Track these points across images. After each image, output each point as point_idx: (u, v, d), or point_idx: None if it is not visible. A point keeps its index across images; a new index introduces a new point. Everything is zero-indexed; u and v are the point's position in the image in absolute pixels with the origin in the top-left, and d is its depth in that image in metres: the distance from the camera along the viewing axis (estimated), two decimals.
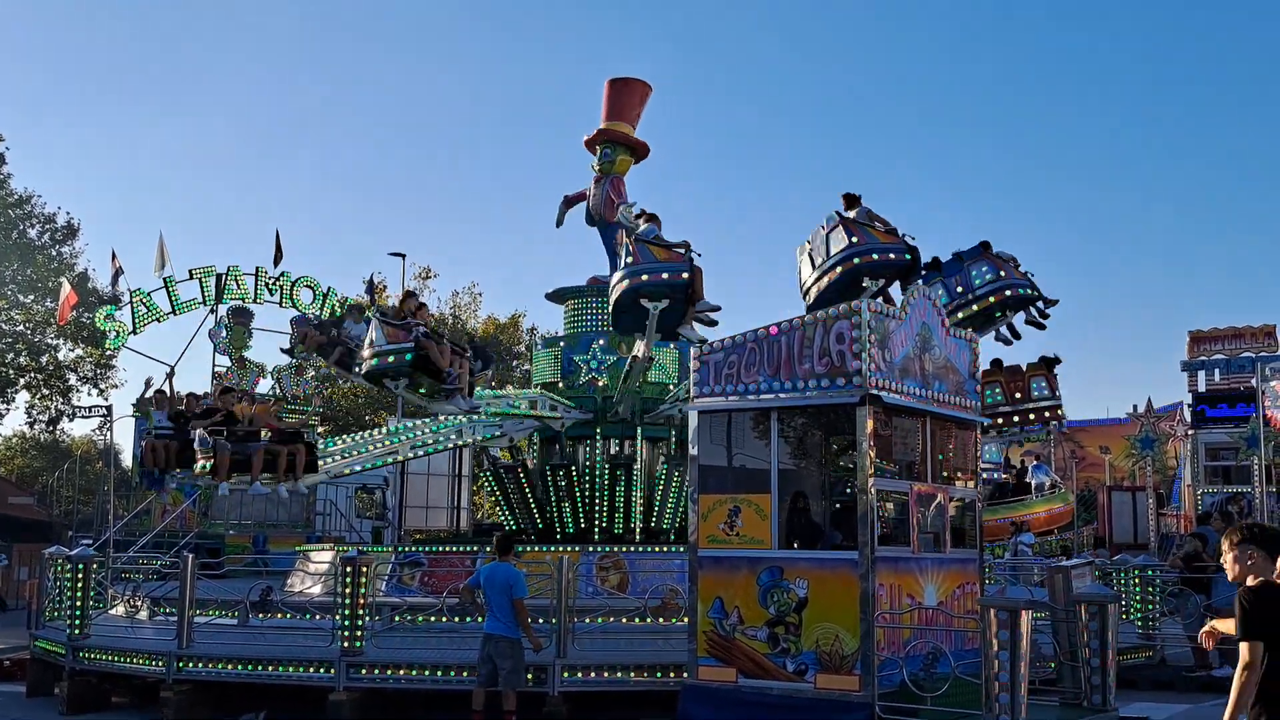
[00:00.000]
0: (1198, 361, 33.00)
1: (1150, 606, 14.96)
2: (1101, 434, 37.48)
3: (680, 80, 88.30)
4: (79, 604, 13.69)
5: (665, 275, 13.85)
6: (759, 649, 9.82)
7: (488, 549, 12.06)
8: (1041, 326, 16.50)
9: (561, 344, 18.33)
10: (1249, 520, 5.73)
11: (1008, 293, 16.04)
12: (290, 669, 12.04)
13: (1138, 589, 15.08)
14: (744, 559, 10.03)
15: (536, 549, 15.02)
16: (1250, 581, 5.76)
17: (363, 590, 11.98)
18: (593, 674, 11.46)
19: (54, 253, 40.66)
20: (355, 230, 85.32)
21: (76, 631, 13.57)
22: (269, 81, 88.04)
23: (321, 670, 11.88)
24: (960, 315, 15.52)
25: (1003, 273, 16.32)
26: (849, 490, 10.00)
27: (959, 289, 16.08)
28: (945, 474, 10.92)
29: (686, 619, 10.64)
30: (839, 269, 14.13)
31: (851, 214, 14.49)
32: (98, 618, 14.33)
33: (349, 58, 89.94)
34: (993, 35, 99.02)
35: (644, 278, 13.84)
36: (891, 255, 14.08)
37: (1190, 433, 31.03)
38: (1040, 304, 16.49)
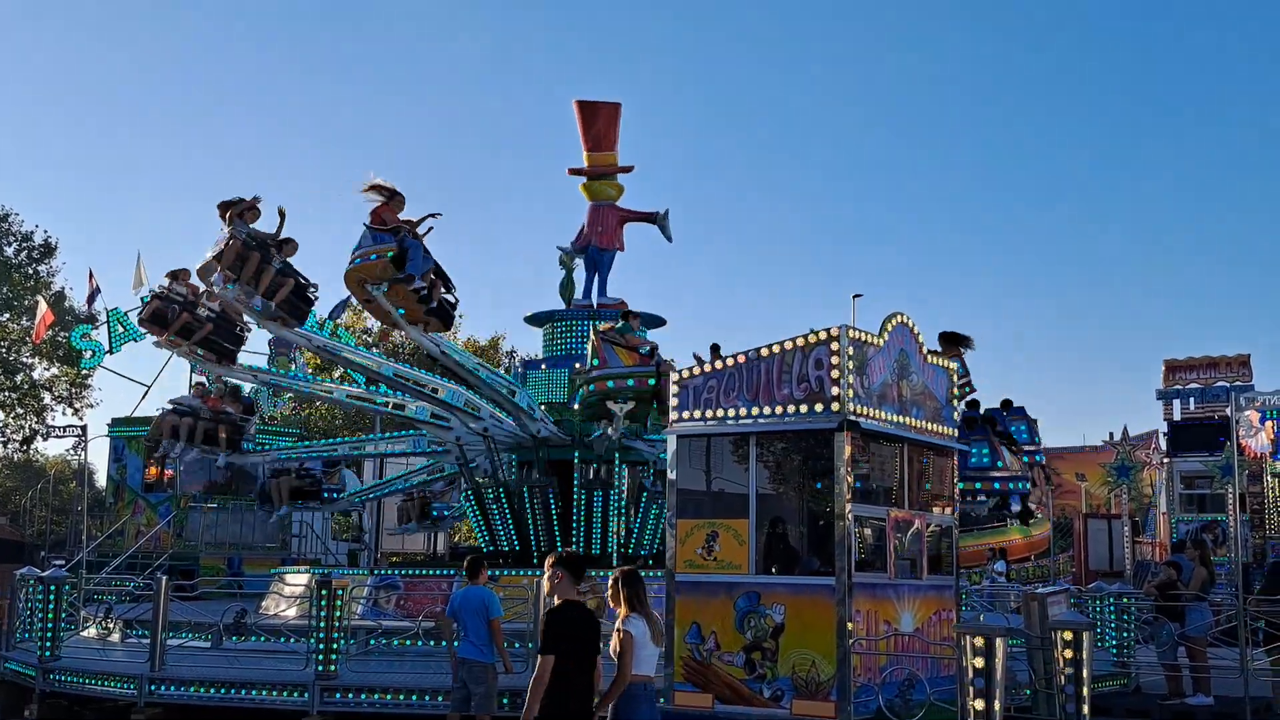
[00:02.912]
0: (1173, 390, 33.30)
1: (1125, 634, 15.00)
2: (1078, 461, 37.71)
3: (663, 95, 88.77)
4: (50, 626, 13.56)
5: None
6: (735, 675, 9.80)
7: (462, 574, 12.04)
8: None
9: (544, 366, 18.38)
10: (568, 552, 7.42)
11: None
12: (263, 692, 11.94)
13: (1113, 616, 15.13)
14: (721, 584, 10.02)
15: (513, 573, 14.98)
16: (556, 601, 6.80)
17: (338, 613, 11.91)
18: None
19: (30, 271, 40.43)
20: (336, 251, 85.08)
21: (47, 653, 13.43)
22: (250, 103, 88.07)
23: (295, 694, 11.78)
24: None
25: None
26: (827, 515, 10.01)
27: None
28: (923, 500, 10.96)
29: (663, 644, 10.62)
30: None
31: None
32: (69, 639, 14.19)
33: (330, 79, 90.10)
34: (969, 57, 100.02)
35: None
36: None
37: (1165, 461, 31.23)
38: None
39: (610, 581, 7.46)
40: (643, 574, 15.80)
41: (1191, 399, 33.27)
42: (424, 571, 16.48)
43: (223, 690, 12.11)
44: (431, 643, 13.18)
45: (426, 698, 11.45)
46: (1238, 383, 32.08)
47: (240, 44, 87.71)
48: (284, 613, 15.83)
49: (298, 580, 16.82)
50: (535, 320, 19.33)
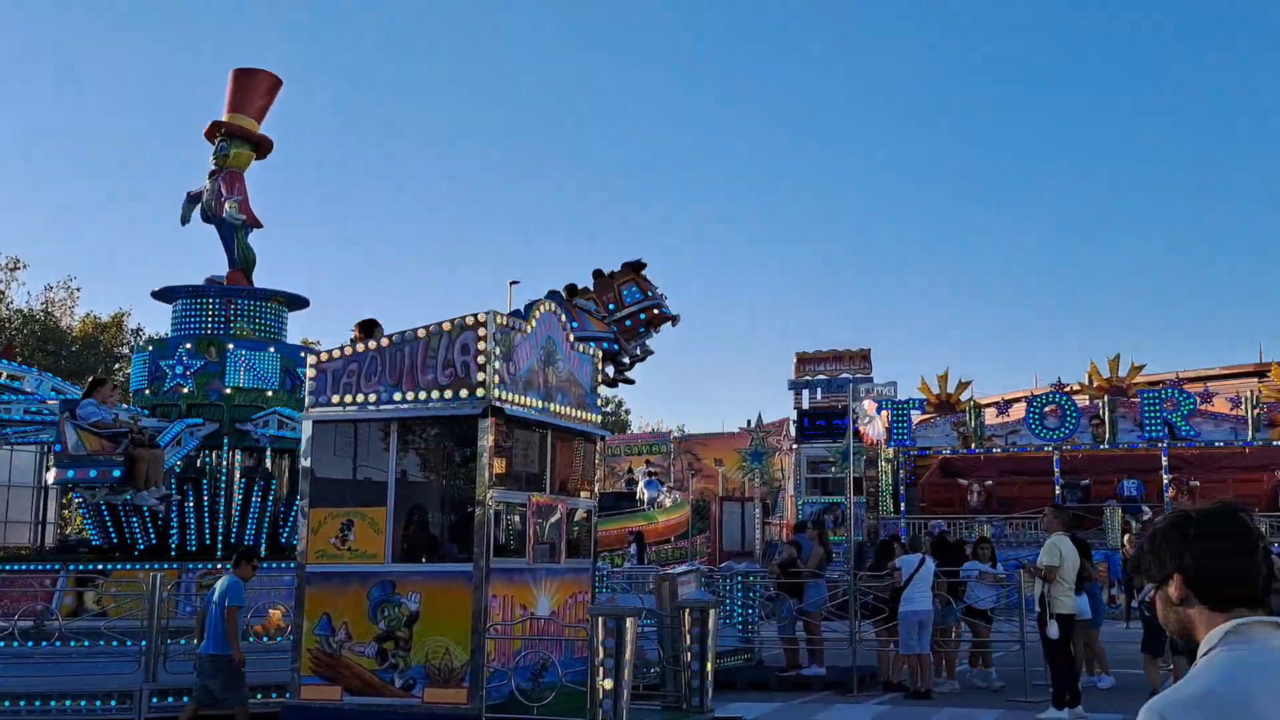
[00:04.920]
0: (803, 381, 35.83)
1: (750, 611, 15.94)
2: (717, 447, 39.81)
3: (321, 74, 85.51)
4: None
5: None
6: (366, 665, 9.52)
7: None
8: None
9: (150, 348, 17.09)
10: None
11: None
12: None
13: (740, 594, 16.05)
14: (355, 574, 9.70)
15: (128, 567, 13.84)
16: None
17: None
18: (185, 698, 10.66)
19: None
20: None
21: None
22: None
23: None
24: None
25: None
26: (470, 502, 9.91)
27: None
28: (566, 485, 11.09)
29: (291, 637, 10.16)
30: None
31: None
32: None
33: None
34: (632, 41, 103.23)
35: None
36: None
37: (794, 447, 33.60)
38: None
39: None
40: (262, 566, 14.99)
41: (819, 389, 35.92)
42: (24, 566, 14.82)
43: None
44: (30, 643, 11.94)
45: (7, 703, 10.39)
46: (858, 375, 34.91)
47: None
48: None
49: None
50: (164, 295, 17.92)
